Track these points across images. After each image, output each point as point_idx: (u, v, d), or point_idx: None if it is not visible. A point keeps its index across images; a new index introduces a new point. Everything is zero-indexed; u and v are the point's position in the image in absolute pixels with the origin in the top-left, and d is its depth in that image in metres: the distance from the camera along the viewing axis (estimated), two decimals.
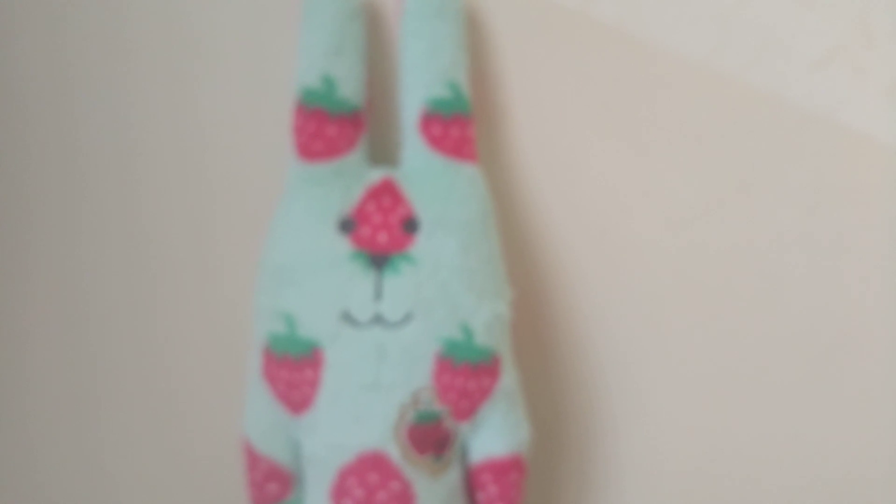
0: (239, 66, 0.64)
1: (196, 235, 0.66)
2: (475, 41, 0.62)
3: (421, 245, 0.56)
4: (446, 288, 0.56)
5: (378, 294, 0.55)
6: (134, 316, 0.67)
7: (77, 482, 0.69)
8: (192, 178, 0.66)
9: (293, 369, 0.56)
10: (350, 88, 0.58)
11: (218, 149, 0.65)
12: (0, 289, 0.67)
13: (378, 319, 0.55)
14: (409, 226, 0.57)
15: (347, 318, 0.55)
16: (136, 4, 0.64)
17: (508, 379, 0.58)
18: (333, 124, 0.58)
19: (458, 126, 0.59)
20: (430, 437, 0.56)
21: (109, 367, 0.68)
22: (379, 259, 0.56)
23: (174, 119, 0.65)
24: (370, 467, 0.55)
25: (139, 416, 0.68)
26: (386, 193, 0.58)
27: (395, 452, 0.55)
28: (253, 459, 0.58)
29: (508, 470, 0.59)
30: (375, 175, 0.58)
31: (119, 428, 0.69)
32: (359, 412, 0.55)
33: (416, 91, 0.59)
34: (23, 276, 0.67)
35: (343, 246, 0.56)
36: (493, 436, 0.58)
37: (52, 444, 0.69)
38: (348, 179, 0.58)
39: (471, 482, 0.59)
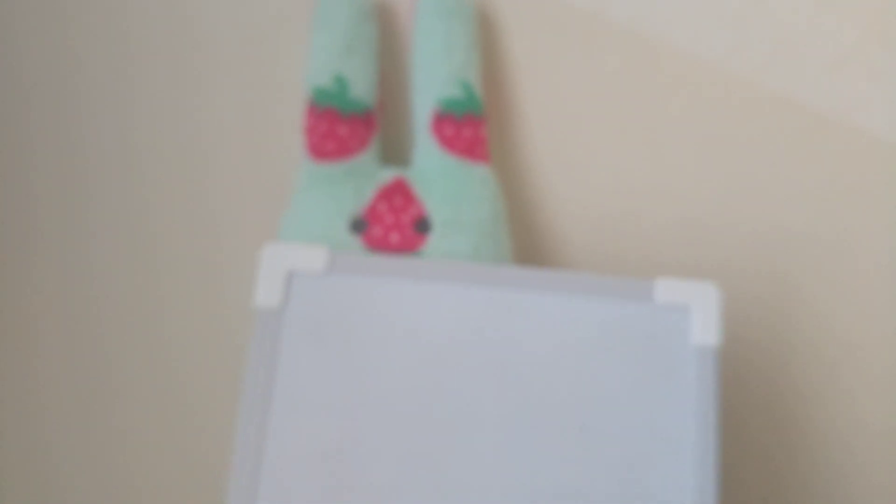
0: (251, 66, 0.64)
1: (206, 236, 0.66)
2: (489, 41, 0.62)
3: (433, 245, 0.56)
4: None
5: None
6: (140, 316, 0.67)
7: (81, 482, 0.69)
8: (202, 178, 0.65)
9: None
10: (362, 88, 0.58)
11: (229, 149, 0.65)
12: (6, 290, 0.67)
13: None
14: (421, 226, 0.56)
15: None
16: (145, 4, 0.64)
17: None
18: (345, 124, 0.58)
19: (471, 126, 0.59)
20: None
21: (115, 367, 0.68)
22: None
23: (184, 119, 0.65)
24: None
25: (143, 417, 0.68)
26: (398, 193, 0.57)
27: None
28: None
29: None
30: (387, 175, 0.58)
31: (125, 428, 0.69)
32: None
33: (428, 91, 0.59)
34: (28, 277, 0.67)
35: (355, 246, 0.56)
36: None
37: (63, 443, 0.69)
38: (360, 179, 0.58)
39: None
